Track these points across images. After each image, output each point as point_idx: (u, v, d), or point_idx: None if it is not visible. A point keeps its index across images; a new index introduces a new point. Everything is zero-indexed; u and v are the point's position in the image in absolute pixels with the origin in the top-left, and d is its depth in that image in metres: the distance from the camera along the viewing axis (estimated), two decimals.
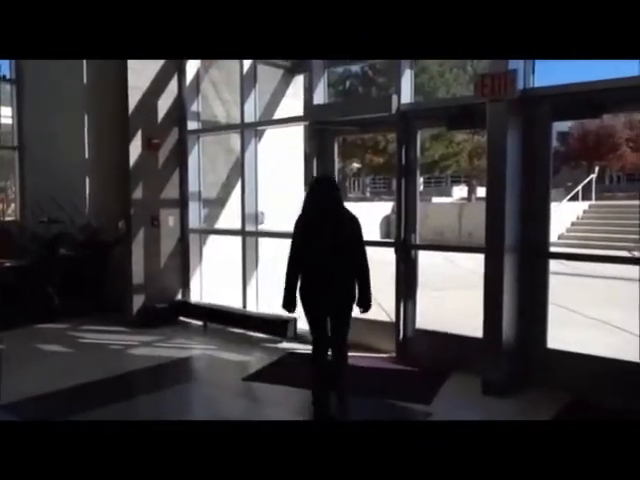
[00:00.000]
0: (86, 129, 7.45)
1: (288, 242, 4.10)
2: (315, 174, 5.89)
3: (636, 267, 4.69)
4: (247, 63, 6.49)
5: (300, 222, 4.00)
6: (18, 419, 4.11)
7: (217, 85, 7.49)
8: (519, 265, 4.59)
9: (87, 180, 7.49)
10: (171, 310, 6.95)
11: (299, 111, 7.37)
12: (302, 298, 4.00)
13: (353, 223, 3.97)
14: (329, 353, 4.15)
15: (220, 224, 7.51)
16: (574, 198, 19.23)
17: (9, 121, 7.90)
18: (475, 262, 5.16)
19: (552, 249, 4.75)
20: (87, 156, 7.48)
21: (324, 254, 3.87)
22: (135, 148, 6.69)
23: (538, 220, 4.62)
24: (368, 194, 36.30)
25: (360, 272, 3.96)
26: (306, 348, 5.82)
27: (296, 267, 3.96)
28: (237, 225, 6.77)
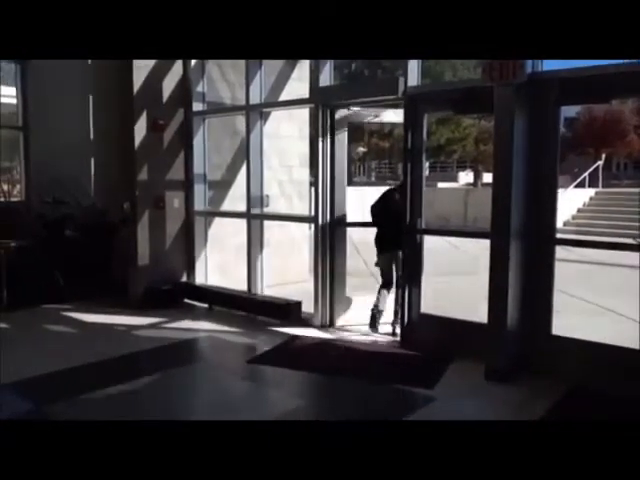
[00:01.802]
0: (91, 109, 7.42)
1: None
2: (321, 157, 5.88)
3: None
4: None
5: (375, 205, 5.99)
6: (22, 399, 4.16)
7: (222, 66, 7.44)
8: (525, 251, 4.57)
9: (92, 161, 7.48)
10: (176, 292, 6.97)
11: (304, 94, 7.31)
12: (377, 246, 5.94)
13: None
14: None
15: (225, 206, 7.51)
16: (580, 185, 19.12)
17: (14, 101, 7.87)
18: (480, 248, 5.14)
19: (557, 236, 4.73)
20: (92, 137, 7.46)
21: (387, 222, 5.78)
22: (140, 129, 6.67)
23: (545, 206, 4.59)
24: (373, 178, 36.20)
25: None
26: (310, 332, 5.86)
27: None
28: (242, 207, 6.76)
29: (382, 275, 5.94)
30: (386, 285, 5.87)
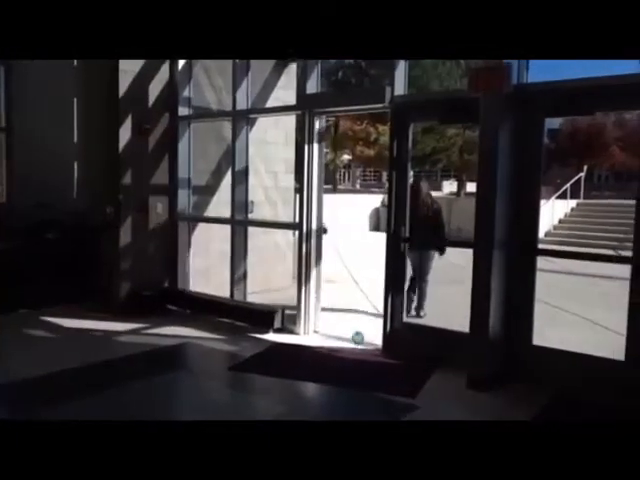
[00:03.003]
0: (75, 112, 7.35)
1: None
2: (306, 163, 5.88)
3: (621, 266, 4.70)
4: None
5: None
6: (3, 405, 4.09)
7: (209, 71, 7.42)
8: (507, 261, 4.60)
9: (76, 164, 7.41)
10: (158, 298, 6.91)
11: (291, 101, 7.32)
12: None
13: (436, 205, 6.61)
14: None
15: (210, 212, 7.47)
16: (562, 196, 19.32)
17: None
18: (463, 257, 5.16)
19: (539, 246, 4.77)
20: (76, 140, 7.39)
21: (421, 221, 6.07)
22: (125, 133, 6.62)
23: (527, 216, 4.63)
24: (358, 186, 36.31)
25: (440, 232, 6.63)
26: (293, 339, 5.84)
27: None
28: (227, 213, 6.73)
29: (412, 270, 6.57)
30: (412, 280, 6.44)
